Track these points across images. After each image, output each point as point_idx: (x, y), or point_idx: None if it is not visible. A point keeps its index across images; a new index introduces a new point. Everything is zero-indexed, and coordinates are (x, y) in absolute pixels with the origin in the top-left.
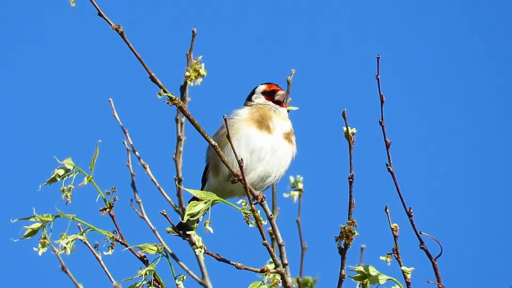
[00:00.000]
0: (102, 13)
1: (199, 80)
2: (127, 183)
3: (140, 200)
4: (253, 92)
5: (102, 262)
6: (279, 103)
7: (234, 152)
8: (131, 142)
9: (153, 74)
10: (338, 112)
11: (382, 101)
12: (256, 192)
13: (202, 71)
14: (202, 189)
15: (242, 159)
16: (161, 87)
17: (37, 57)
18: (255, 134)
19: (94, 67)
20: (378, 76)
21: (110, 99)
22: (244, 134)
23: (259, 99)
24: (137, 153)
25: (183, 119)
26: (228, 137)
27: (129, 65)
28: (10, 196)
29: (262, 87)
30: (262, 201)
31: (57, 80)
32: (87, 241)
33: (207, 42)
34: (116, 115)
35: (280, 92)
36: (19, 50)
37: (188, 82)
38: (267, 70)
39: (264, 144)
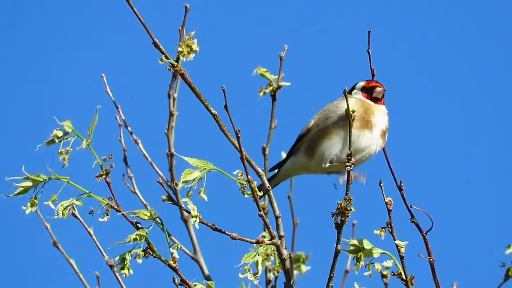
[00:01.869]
0: None
1: (192, 55)
2: (119, 158)
3: (132, 175)
4: (353, 88)
5: (94, 237)
6: (376, 100)
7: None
8: (123, 117)
9: (156, 40)
10: (332, 87)
11: (373, 75)
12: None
13: (195, 47)
14: (285, 162)
15: (239, 130)
16: (163, 53)
17: (36, 30)
18: (358, 132)
19: (86, 42)
20: (370, 50)
21: (103, 75)
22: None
23: (358, 95)
24: (129, 128)
25: (176, 94)
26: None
27: (122, 40)
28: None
29: (362, 84)
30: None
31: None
32: (77, 213)
33: (200, 17)
34: (109, 90)
35: (378, 89)
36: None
37: (181, 58)
38: (261, 47)
39: (360, 145)
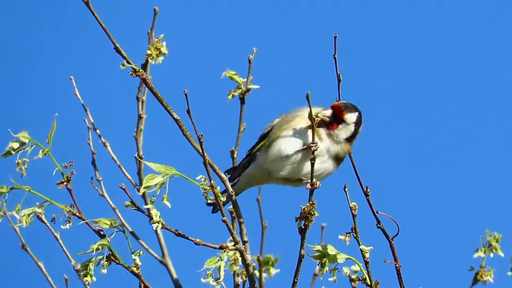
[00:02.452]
0: None
1: (161, 58)
2: (87, 161)
3: (100, 178)
4: None
5: (60, 241)
6: (324, 124)
7: None
8: (92, 120)
9: (117, 45)
10: (301, 89)
11: (339, 80)
12: (314, 179)
13: (164, 50)
14: (248, 164)
15: (202, 135)
16: (125, 58)
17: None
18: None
19: (55, 45)
20: (336, 56)
21: (71, 77)
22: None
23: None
24: (98, 131)
25: (144, 97)
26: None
27: (91, 42)
28: None
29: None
30: (318, 186)
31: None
32: (43, 217)
33: (169, 20)
34: (77, 93)
35: (324, 112)
36: None
37: (150, 61)
38: (230, 50)
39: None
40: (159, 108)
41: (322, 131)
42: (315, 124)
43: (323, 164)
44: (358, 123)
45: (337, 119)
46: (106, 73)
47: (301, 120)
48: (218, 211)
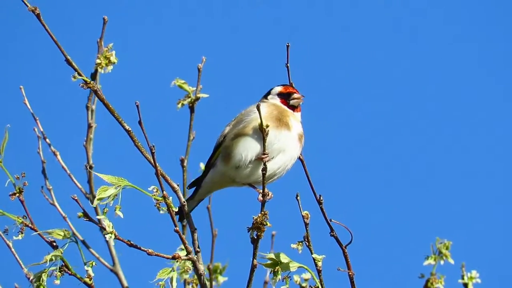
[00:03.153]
0: None
1: (110, 67)
2: (37, 170)
3: (50, 187)
4: (268, 93)
5: (13, 249)
6: (293, 107)
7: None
8: (42, 129)
9: (69, 57)
10: (252, 97)
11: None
12: (266, 190)
13: (113, 59)
14: (206, 174)
15: (154, 146)
16: (76, 70)
17: None
18: (275, 132)
19: (4, 55)
20: (288, 64)
21: (21, 86)
22: (258, 132)
23: (274, 100)
24: (47, 140)
25: (94, 106)
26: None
27: (41, 51)
28: None
29: (278, 89)
30: (270, 198)
31: None
32: None
33: (118, 29)
34: (27, 102)
35: (296, 96)
36: None
37: (99, 70)
38: (180, 58)
39: (280, 144)
40: (109, 116)
41: (290, 119)
42: (266, 134)
43: (294, 150)
44: None
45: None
46: (55, 82)
47: (253, 125)
48: (184, 219)
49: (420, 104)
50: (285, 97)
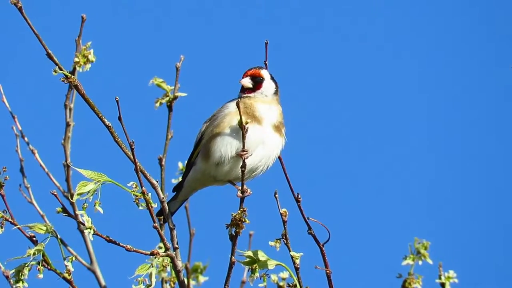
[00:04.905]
0: None
1: (88, 66)
2: (16, 168)
3: (28, 185)
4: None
5: None
6: (250, 90)
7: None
8: (20, 128)
9: (50, 51)
10: (229, 95)
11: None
12: (245, 187)
13: (91, 57)
14: (188, 174)
15: (133, 141)
16: (57, 65)
17: None
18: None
19: None
20: (266, 62)
21: None
22: (234, 127)
23: (242, 93)
24: (26, 138)
25: (72, 104)
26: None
27: (19, 49)
28: None
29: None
30: (249, 194)
31: None
32: None
33: (96, 27)
34: (5, 100)
35: (243, 81)
36: None
37: (77, 68)
38: (160, 56)
39: (254, 137)
40: (87, 115)
41: (257, 109)
42: (245, 131)
43: (273, 140)
44: (272, 77)
45: (255, 80)
46: (34, 80)
47: (230, 120)
48: (163, 217)
49: (399, 103)
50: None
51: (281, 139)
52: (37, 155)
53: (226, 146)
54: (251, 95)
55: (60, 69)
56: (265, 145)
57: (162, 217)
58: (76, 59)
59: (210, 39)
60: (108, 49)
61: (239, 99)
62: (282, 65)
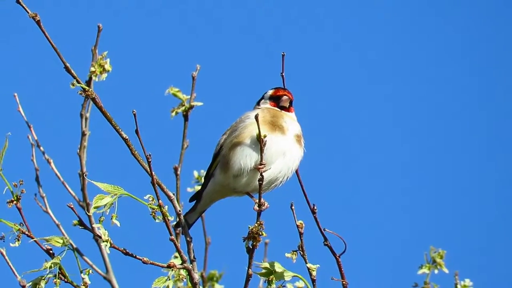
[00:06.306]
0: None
1: (104, 75)
2: (31, 178)
3: (44, 195)
4: (262, 97)
5: (6, 257)
6: (283, 108)
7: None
8: (36, 137)
9: (68, 65)
10: (245, 105)
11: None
12: (262, 200)
13: (107, 67)
14: (206, 185)
15: (150, 154)
16: (75, 78)
17: None
18: (270, 136)
19: None
20: (283, 74)
21: (15, 94)
22: (255, 138)
23: (265, 104)
24: (41, 148)
25: (88, 114)
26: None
27: (35, 59)
28: None
29: (270, 92)
30: (266, 208)
31: None
32: None
33: (113, 37)
34: (21, 109)
35: (284, 98)
36: None
37: (93, 78)
38: (176, 66)
39: (276, 148)
40: (103, 124)
41: (284, 121)
42: (264, 144)
43: (294, 152)
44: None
45: (291, 102)
46: (49, 90)
47: (251, 130)
48: (180, 228)
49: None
50: (276, 99)
51: (301, 151)
52: (52, 164)
53: (245, 158)
54: (276, 108)
55: (78, 82)
56: (285, 156)
57: (180, 228)
58: (93, 69)
59: (224, 48)
60: (122, 57)
61: (260, 109)
62: (296, 75)
